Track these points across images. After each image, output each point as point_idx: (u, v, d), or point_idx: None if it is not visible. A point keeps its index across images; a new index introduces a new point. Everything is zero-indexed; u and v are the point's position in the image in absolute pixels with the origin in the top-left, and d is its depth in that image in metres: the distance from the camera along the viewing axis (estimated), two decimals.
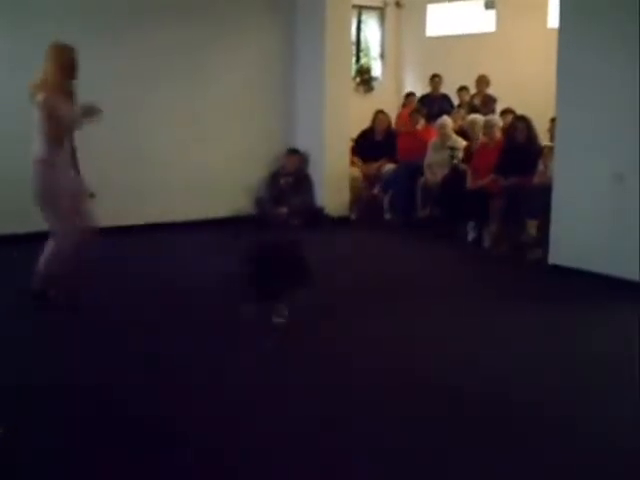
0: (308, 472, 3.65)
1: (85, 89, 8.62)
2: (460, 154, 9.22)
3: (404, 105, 12.40)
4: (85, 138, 7.10)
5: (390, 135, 10.61)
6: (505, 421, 4.18)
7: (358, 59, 14.14)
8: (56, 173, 5.82)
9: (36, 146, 5.81)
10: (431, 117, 10.52)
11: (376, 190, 10.24)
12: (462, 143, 9.37)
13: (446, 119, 9.68)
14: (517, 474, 3.62)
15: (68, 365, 4.96)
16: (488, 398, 4.47)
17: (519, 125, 8.52)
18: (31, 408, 4.30)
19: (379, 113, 10.68)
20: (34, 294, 5.97)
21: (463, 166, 8.98)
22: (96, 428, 4.04)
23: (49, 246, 5.93)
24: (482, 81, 11.71)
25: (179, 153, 9.28)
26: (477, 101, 11.64)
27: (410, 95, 12.59)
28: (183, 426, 4.08)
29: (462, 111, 11.22)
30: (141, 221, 8.93)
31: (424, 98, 12.27)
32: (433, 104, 11.65)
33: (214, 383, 4.68)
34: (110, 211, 7.69)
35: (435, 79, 12.33)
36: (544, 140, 8.67)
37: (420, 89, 13.04)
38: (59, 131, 5.82)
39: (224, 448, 3.85)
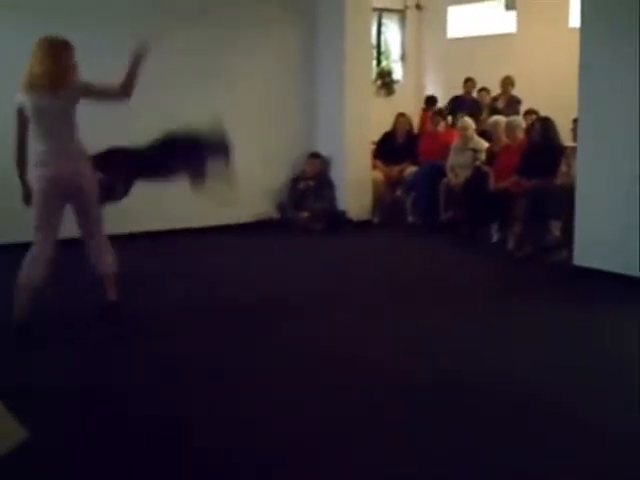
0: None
1: None
2: (482, 156, 9.19)
3: (424, 109, 12.39)
4: (102, 140, 7.11)
5: (411, 138, 10.60)
6: (536, 419, 4.16)
7: (379, 62, 14.14)
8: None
9: (74, 145, 5.52)
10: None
11: (398, 193, 10.23)
12: (484, 145, 9.34)
13: (468, 121, 9.64)
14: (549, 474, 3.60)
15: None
16: (519, 398, 4.44)
17: (535, 126, 8.51)
18: (69, 412, 4.30)
19: (400, 116, 10.67)
20: (111, 305, 5.74)
21: (485, 168, 8.94)
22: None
23: (103, 249, 5.68)
24: (507, 82, 11.69)
25: None
26: (501, 102, 11.61)
27: (431, 99, 12.58)
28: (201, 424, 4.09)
29: (483, 113, 11.20)
30: (160, 227, 8.96)
31: (455, 100, 12.24)
32: (463, 106, 11.61)
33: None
34: (128, 216, 7.72)
35: (468, 82, 12.31)
36: (567, 140, 8.62)
37: (441, 91, 13.04)
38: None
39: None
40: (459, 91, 12.35)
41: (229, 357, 5.19)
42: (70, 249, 5.62)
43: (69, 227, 5.68)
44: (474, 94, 12.18)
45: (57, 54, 5.33)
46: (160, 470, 3.67)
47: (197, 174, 6.10)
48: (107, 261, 5.69)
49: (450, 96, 12.51)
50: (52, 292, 5.69)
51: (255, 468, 3.67)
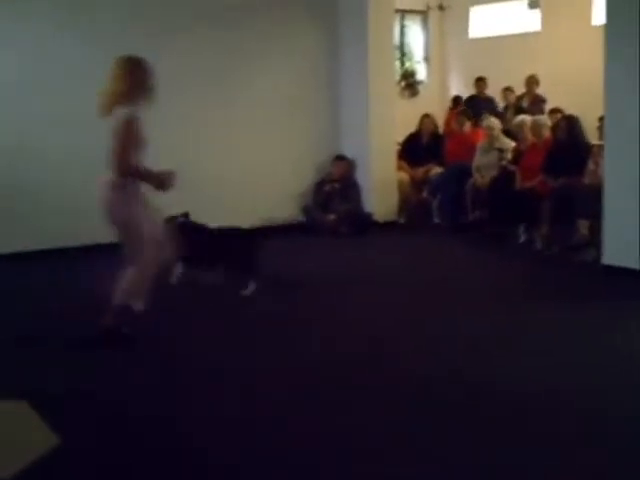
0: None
1: None
2: (509, 155, 9.15)
3: (451, 109, 12.37)
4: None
5: (437, 138, 10.59)
6: (568, 417, 4.15)
7: (402, 63, 14.13)
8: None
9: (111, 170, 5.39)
10: (477, 119, 10.47)
11: (424, 194, 10.22)
12: (510, 144, 9.30)
13: (494, 121, 9.61)
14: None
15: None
16: (551, 398, 4.44)
17: (561, 124, 8.48)
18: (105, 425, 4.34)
19: (425, 117, 10.65)
20: (107, 329, 5.44)
21: (512, 167, 8.91)
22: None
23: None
24: (532, 81, 11.65)
25: (225, 161, 9.32)
26: (525, 102, 11.57)
27: (458, 98, 12.57)
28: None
29: (508, 112, 11.16)
30: None
31: (469, 100, 12.23)
32: (479, 106, 11.59)
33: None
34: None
35: (480, 82, 12.31)
36: (593, 139, 8.57)
37: (466, 91, 13.00)
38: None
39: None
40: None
41: (252, 358, 5.22)
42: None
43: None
44: (488, 93, 12.17)
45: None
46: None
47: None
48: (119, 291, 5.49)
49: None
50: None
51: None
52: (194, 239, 6.70)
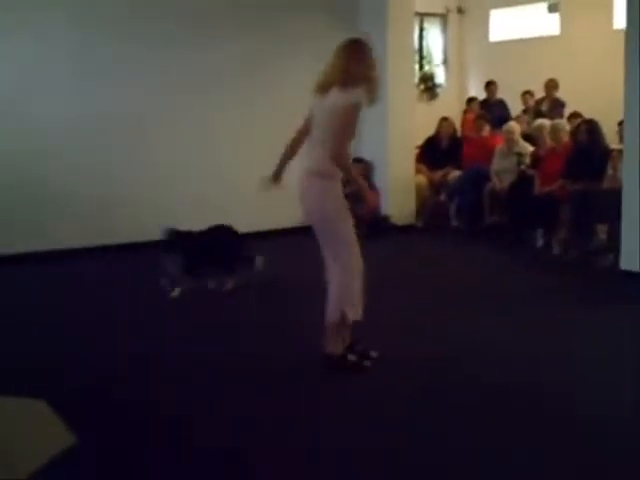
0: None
1: (143, 101, 8.85)
2: (527, 159, 9.13)
3: (466, 111, 12.35)
4: (150, 151, 7.19)
5: (455, 142, 10.58)
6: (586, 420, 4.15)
7: (421, 66, 14.11)
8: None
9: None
10: (490, 123, 10.46)
11: (442, 197, 10.21)
12: (529, 148, 9.27)
13: (513, 125, 9.59)
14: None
15: None
16: (571, 398, 4.46)
17: (581, 128, 8.44)
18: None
19: (444, 120, 10.65)
20: (331, 359, 4.95)
21: (531, 172, 8.88)
22: None
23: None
24: (551, 85, 11.60)
25: (244, 163, 9.32)
26: (545, 105, 11.53)
27: (472, 100, 12.54)
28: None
29: (527, 116, 11.12)
30: None
31: (482, 104, 12.20)
32: (491, 110, 11.56)
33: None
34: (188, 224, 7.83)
35: (491, 86, 12.30)
36: (613, 143, 8.53)
37: (484, 95, 12.96)
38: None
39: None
40: (501, 95, 12.29)
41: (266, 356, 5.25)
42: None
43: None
44: (518, 97, 12.12)
45: None
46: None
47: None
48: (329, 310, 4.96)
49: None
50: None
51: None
52: (188, 246, 6.83)
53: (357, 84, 4.82)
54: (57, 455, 3.76)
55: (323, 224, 4.92)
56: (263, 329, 5.90)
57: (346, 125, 4.78)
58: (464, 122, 11.78)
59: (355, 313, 4.91)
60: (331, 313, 4.89)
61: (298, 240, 6.28)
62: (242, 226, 7.55)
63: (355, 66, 4.90)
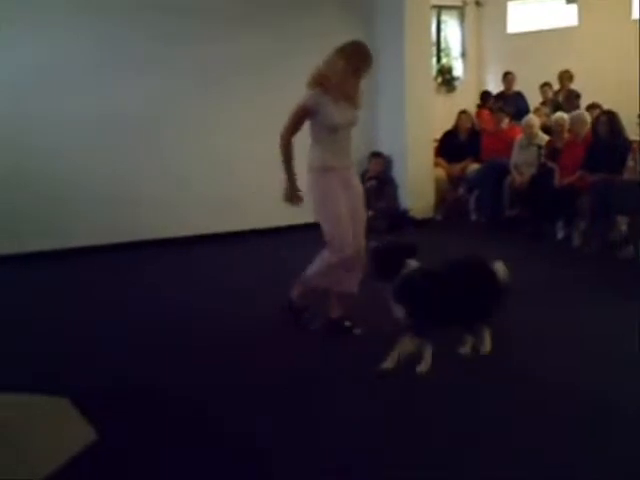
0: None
1: (153, 104, 8.86)
2: (542, 151, 9.09)
3: (480, 106, 12.30)
4: (162, 152, 7.18)
5: (474, 135, 10.55)
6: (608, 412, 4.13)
7: (439, 59, 14.09)
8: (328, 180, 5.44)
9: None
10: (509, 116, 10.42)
11: (461, 191, 10.20)
12: (545, 139, 9.23)
13: (532, 117, 9.56)
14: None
15: None
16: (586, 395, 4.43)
17: (601, 119, 8.39)
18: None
19: (462, 113, 10.63)
20: (332, 322, 5.63)
21: (551, 164, 8.84)
22: None
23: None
24: (565, 76, 11.55)
25: (260, 162, 9.32)
26: (561, 97, 11.48)
27: (486, 94, 12.50)
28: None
29: (546, 108, 11.07)
30: (230, 229, 9.17)
31: (499, 96, 12.15)
32: (508, 102, 11.51)
33: None
34: (195, 223, 7.85)
35: (508, 76, 12.25)
36: (632, 135, 8.49)
37: (503, 87, 12.92)
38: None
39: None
40: (520, 87, 12.23)
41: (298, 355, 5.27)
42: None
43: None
44: (536, 89, 12.07)
45: None
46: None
47: None
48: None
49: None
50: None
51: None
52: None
53: (315, 86, 5.41)
54: (79, 452, 3.79)
55: (314, 210, 5.48)
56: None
57: (290, 121, 5.44)
58: (478, 116, 11.75)
59: (349, 286, 5.51)
60: (305, 276, 5.55)
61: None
62: (257, 223, 7.56)
63: (320, 68, 5.47)
